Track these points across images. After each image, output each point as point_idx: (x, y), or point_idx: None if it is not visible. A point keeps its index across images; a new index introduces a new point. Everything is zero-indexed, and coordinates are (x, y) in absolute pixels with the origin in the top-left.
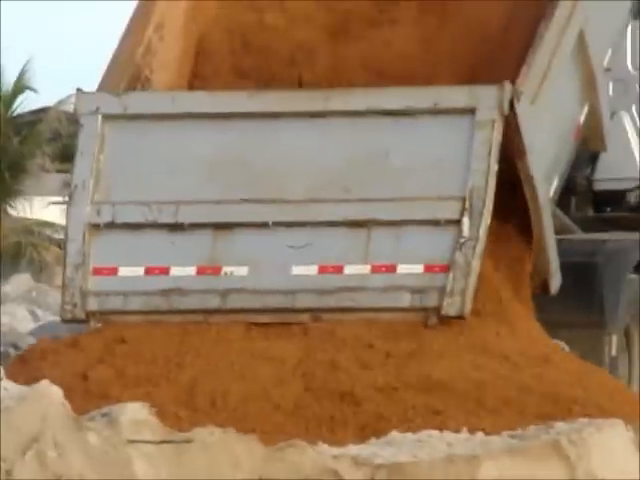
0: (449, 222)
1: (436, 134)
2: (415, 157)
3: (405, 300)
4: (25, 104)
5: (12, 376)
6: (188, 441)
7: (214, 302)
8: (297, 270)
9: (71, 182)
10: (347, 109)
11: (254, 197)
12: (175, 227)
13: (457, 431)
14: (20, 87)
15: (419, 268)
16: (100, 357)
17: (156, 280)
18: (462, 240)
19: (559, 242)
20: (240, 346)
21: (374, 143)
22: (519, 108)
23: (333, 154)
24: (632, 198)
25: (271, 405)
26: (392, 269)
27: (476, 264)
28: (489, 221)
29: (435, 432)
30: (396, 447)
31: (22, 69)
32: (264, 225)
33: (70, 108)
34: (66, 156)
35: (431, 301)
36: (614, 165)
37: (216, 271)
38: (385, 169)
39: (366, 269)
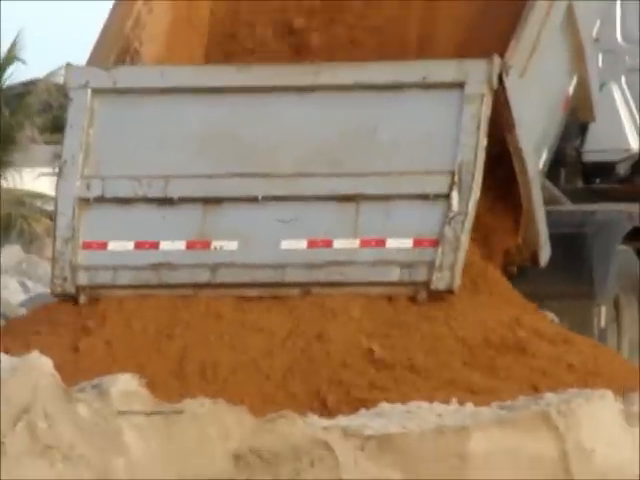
0: (438, 196)
1: (425, 108)
2: (404, 131)
3: (394, 274)
4: (15, 76)
5: (2, 348)
6: (178, 412)
7: (204, 276)
8: (286, 244)
9: (61, 156)
10: (336, 83)
11: (243, 171)
12: (165, 201)
13: (446, 402)
14: (10, 58)
15: (408, 242)
16: (90, 329)
17: (146, 254)
18: (451, 214)
19: (548, 213)
20: (230, 317)
21: (363, 117)
22: (508, 82)
23: (322, 128)
24: (621, 169)
25: (261, 376)
26: (381, 243)
27: (465, 238)
28: (478, 195)
29: (425, 403)
30: (386, 418)
31: (13, 40)
32: (253, 199)
33: (60, 80)
34: (56, 127)
35: (420, 275)
36: (603, 136)
37: (205, 245)
38: (374, 143)
39: (355, 243)
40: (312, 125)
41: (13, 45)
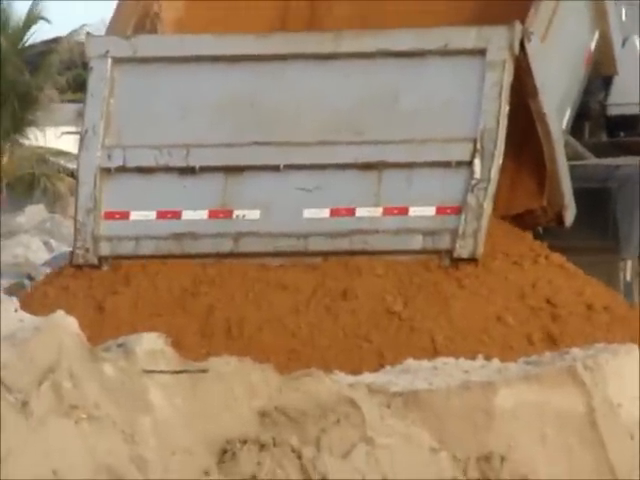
0: (460, 164)
1: (446, 75)
2: (426, 99)
3: (417, 242)
4: (37, 35)
5: (27, 307)
6: (204, 371)
7: (226, 246)
8: (309, 213)
9: (82, 126)
10: (357, 51)
11: (265, 140)
12: (186, 170)
13: (473, 358)
14: (33, 18)
15: (431, 210)
16: (116, 288)
17: (168, 224)
18: (474, 182)
19: (572, 168)
20: (255, 275)
21: (385, 85)
22: (530, 48)
23: (344, 96)
24: None
25: (287, 333)
26: (404, 211)
27: (488, 206)
28: (501, 162)
29: (451, 359)
30: (412, 375)
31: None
32: (275, 168)
33: (82, 38)
34: (79, 86)
35: (443, 243)
36: (627, 90)
37: (228, 214)
38: (396, 111)
39: (378, 212)
40: (333, 93)
41: (35, 5)
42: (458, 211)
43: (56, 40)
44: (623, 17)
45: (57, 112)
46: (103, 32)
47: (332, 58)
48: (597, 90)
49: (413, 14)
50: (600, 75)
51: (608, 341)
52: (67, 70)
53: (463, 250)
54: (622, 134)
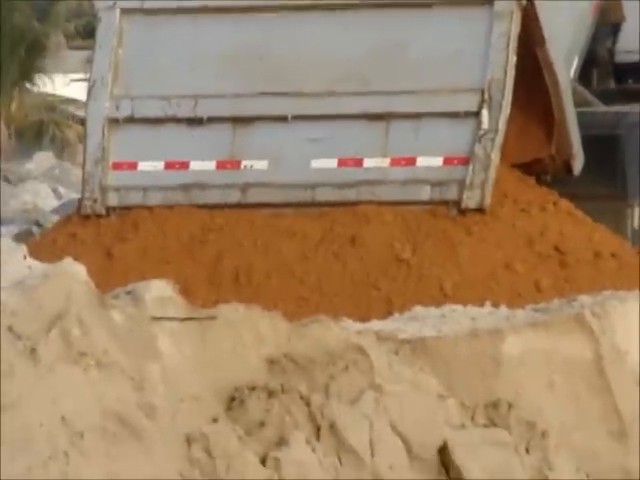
0: (468, 114)
1: (454, 26)
2: (434, 49)
3: (425, 193)
4: None
5: (36, 254)
6: (212, 318)
7: (234, 196)
8: (317, 164)
9: (90, 77)
10: (366, 1)
11: (273, 90)
12: (194, 121)
13: (481, 305)
14: None
15: (438, 161)
16: (124, 235)
17: (176, 175)
18: (481, 132)
19: (581, 115)
20: (263, 223)
21: (392, 35)
22: None
23: (351, 47)
24: None
25: (295, 280)
26: (411, 162)
27: (495, 156)
28: (508, 113)
29: (459, 307)
30: (420, 322)
31: None
32: (283, 118)
33: None
34: (88, 33)
35: (451, 194)
36: (635, 37)
37: (236, 165)
38: (404, 61)
39: (385, 162)
40: (341, 44)
41: None
42: (466, 162)
43: None
44: None
45: (66, 59)
46: None
47: (340, 9)
48: (605, 37)
49: None
50: (608, 22)
51: (616, 288)
52: (76, 18)
53: (470, 201)
54: (630, 81)
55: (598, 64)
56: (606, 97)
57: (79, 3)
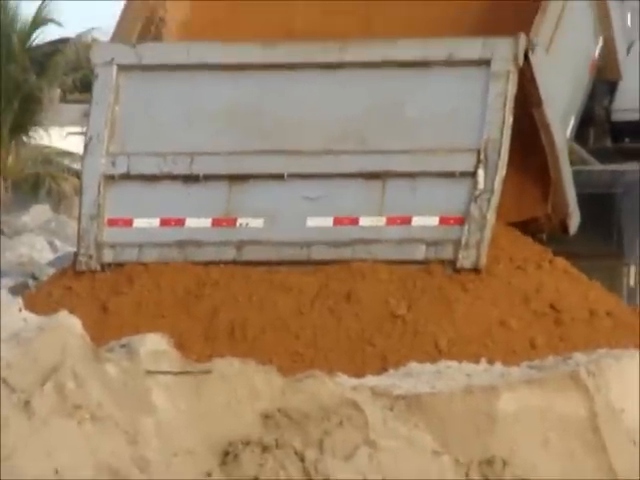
0: (464, 174)
1: (451, 86)
2: (430, 109)
3: (420, 252)
4: (43, 36)
5: (31, 307)
6: (207, 372)
7: (230, 254)
8: (312, 222)
9: (86, 133)
10: (362, 60)
11: (269, 148)
12: (190, 178)
13: (476, 362)
14: (40, 19)
15: (434, 220)
16: (119, 289)
17: (171, 232)
18: (477, 192)
19: (577, 174)
20: (258, 277)
21: (389, 94)
22: (534, 59)
23: (348, 105)
24: None
25: (290, 335)
26: (407, 221)
27: (491, 216)
28: (504, 173)
29: (454, 363)
30: (415, 378)
31: (42, 2)
32: (279, 176)
33: (89, 39)
34: (85, 86)
35: (446, 254)
36: (632, 95)
37: (231, 223)
38: (400, 121)
39: (381, 221)
40: (338, 102)
41: (43, 6)
42: (461, 221)
43: (63, 41)
44: (629, 22)
45: (63, 112)
46: (110, 35)
47: (338, 67)
48: (602, 95)
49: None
50: (605, 80)
51: (611, 346)
52: (74, 71)
53: (466, 261)
54: (627, 140)
55: (595, 122)
56: (602, 155)
57: (77, 56)
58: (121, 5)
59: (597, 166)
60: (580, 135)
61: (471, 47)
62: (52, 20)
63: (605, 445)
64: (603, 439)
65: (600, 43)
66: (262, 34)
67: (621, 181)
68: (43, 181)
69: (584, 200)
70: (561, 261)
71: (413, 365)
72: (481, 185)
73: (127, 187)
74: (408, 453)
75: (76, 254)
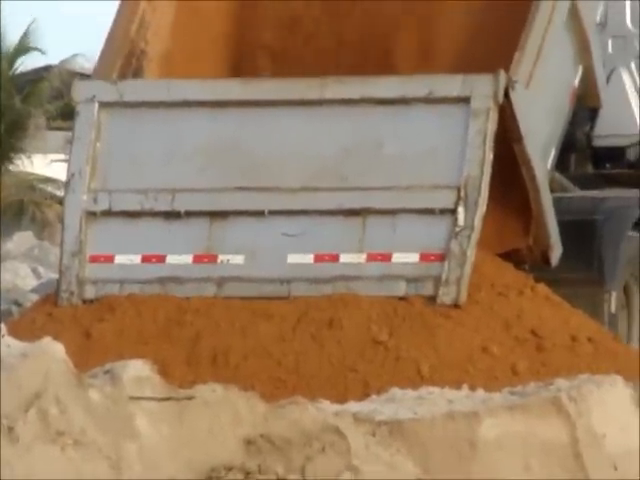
0: (444, 211)
1: (431, 123)
2: (410, 146)
3: (401, 289)
4: (28, 63)
5: (15, 333)
6: (190, 398)
7: (210, 290)
8: (293, 258)
9: (68, 170)
10: (342, 97)
11: (250, 185)
12: (171, 215)
13: (458, 388)
14: (24, 46)
15: (414, 257)
16: (102, 315)
17: (153, 268)
18: (457, 229)
19: (559, 201)
20: (240, 304)
21: (369, 131)
22: (514, 96)
23: (328, 142)
24: (631, 154)
25: (272, 362)
26: (387, 258)
27: (471, 253)
28: (484, 210)
29: (436, 389)
30: (397, 404)
31: (26, 29)
32: (260, 213)
33: (73, 67)
34: (68, 114)
35: (427, 290)
36: (613, 121)
37: (212, 259)
38: (380, 157)
39: (361, 258)
40: (318, 139)
41: (27, 33)
42: (442, 258)
43: (47, 68)
44: (609, 49)
45: (46, 139)
46: (94, 61)
47: (317, 104)
48: (583, 121)
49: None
50: (585, 107)
51: (592, 372)
52: (57, 99)
53: (446, 297)
54: (608, 166)
55: (576, 148)
56: (584, 181)
57: (60, 84)
58: (105, 29)
59: (578, 193)
60: (561, 161)
61: (450, 84)
62: (36, 48)
63: (587, 471)
64: (585, 465)
65: (580, 72)
66: (244, 61)
67: (602, 208)
68: (27, 208)
69: (565, 227)
70: (542, 287)
71: (395, 391)
72: (461, 222)
73: (109, 223)
74: (390, 479)
75: (57, 291)
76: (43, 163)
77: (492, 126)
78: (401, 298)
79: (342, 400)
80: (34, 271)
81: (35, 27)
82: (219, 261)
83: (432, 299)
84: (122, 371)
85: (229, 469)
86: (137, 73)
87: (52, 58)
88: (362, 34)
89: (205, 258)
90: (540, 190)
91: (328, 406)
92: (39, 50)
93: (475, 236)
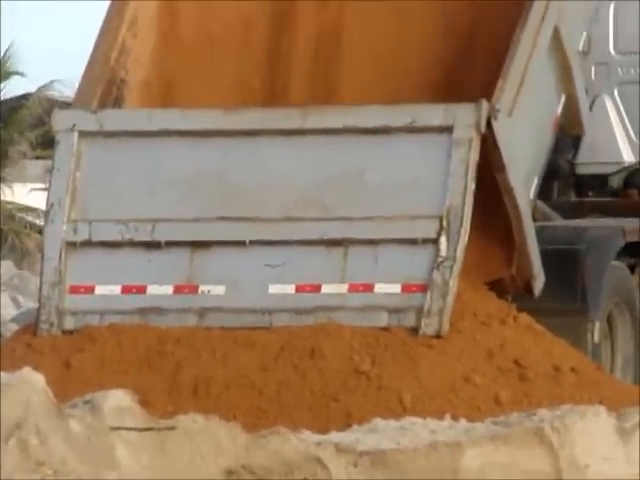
0: (426, 241)
1: (413, 152)
2: (392, 175)
3: (383, 320)
4: (7, 90)
5: None
6: (171, 428)
7: (191, 321)
8: (274, 289)
9: (47, 199)
10: (324, 127)
11: (231, 215)
12: (152, 245)
13: (440, 418)
14: (4, 73)
15: (396, 287)
16: (82, 345)
17: (133, 299)
18: (440, 260)
19: (541, 230)
20: (221, 333)
21: (351, 161)
22: (496, 125)
23: (310, 172)
24: (614, 182)
25: (254, 391)
26: (369, 288)
27: (454, 283)
28: (467, 240)
29: (418, 419)
30: (379, 434)
31: (4, 55)
32: (241, 243)
33: (52, 94)
34: (48, 142)
35: (409, 321)
36: (596, 149)
37: (193, 290)
38: (362, 187)
39: (343, 288)
40: (300, 169)
41: (5, 60)
42: (424, 289)
43: (26, 96)
44: (593, 76)
45: (26, 168)
46: (73, 87)
47: (299, 134)
48: (566, 149)
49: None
50: (568, 135)
51: (575, 402)
52: (37, 126)
53: (428, 328)
54: (591, 194)
55: (559, 176)
56: (567, 210)
57: (40, 112)
58: (83, 56)
59: (561, 222)
60: (544, 189)
61: (433, 114)
62: (16, 72)
63: None
64: None
65: (562, 100)
66: (222, 94)
67: (585, 237)
68: (6, 237)
69: (548, 256)
70: (525, 317)
71: (377, 421)
72: (443, 252)
73: (89, 254)
74: None
75: (37, 321)
76: (23, 192)
77: (475, 155)
78: (383, 328)
79: (324, 430)
80: (14, 300)
81: (15, 51)
82: (200, 291)
83: (414, 330)
84: (102, 401)
85: None
86: (117, 102)
87: (32, 85)
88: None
89: (186, 288)
90: (523, 219)
91: (310, 436)
92: (20, 73)
93: (457, 266)
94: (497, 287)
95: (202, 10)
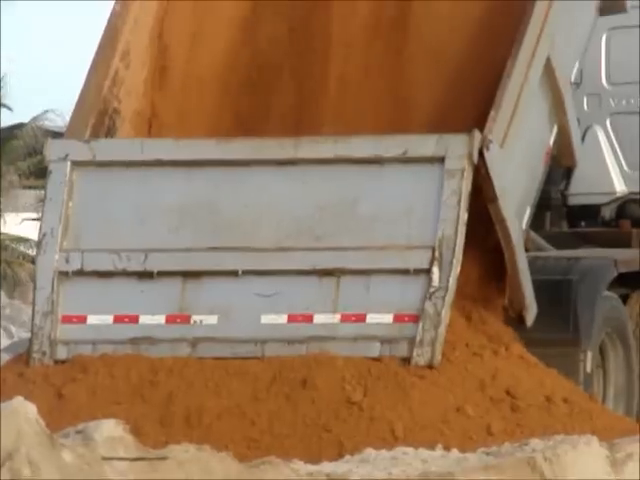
0: (419, 271)
1: (405, 182)
2: (384, 205)
3: (375, 350)
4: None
5: None
6: (163, 458)
7: (184, 351)
8: (266, 319)
9: (40, 230)
10: (316, 157)
11: (223, 245)
12: (144, 275)
13: (432, 448)
14: None
15: (389, 318)
16: (74, 375)
17: (125, 328)
18: (432, 290)
19: (534, 260)
20: (213, 363)
21: (343, 191)
22: (489, 156)
23: (302, 202)
24: (606, 213)
25: (246, 421)
26: (361, 318)
27: (446, 314)
28: (459, 270)
29: (410, 449)
30: (371, 464)
31: None
32: (233, 273)
33: (45, 124)
34: (40, 172)
35: (401, 351)
36: (588, 179)
37: (185, 320)
38: (354, 217)
39: (335, 318)
40: (292, 199)
41: None
42: (416, 319)
43: (18, 126)
44: (585, 107)
45: (18, 198)
46: (66, 118)
47: (291, 164)
48: (558, 179)
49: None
50: (560, 166)
51: (567, 432)
52: (30, 156)
53: (420, 358)
54: (583, 224)
55: (551, 206)
56: (559, 241)
57: (32, 142)
58: (77, 85)
59: (553, 252)
60: (536, 219)
61: (425, 144)
62: (5, 106)
63: None
64: None
65: (555, 131)
66: (213, 123)
67: (577, 267)
68: None
69: (541, 286)
70: (517, 347)
71: (369, 451)
72: (436, 282)
73: (81, 283)
74: None
75: (29, 351)
76: (15, 222)
77: (467, 186)
78: (375, 358)
79: (316, 460)
80: (6, 330)
81: (4, 83)
82: (192, 321)
83: (407, 360)
84: (95, 431)
85: None
86: (110, 132)
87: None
88: None
89: (178, 318)
90: (515, 250)
91: (302, 466)
92: (7, 107)
93: (450, 297)
94: (490, 317)
95: (191, 45)
